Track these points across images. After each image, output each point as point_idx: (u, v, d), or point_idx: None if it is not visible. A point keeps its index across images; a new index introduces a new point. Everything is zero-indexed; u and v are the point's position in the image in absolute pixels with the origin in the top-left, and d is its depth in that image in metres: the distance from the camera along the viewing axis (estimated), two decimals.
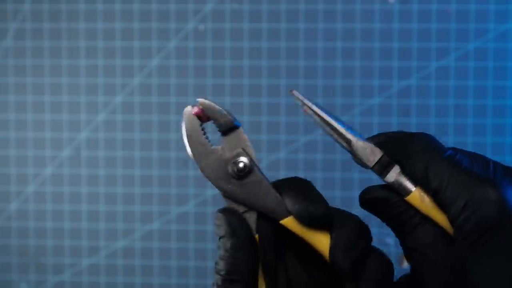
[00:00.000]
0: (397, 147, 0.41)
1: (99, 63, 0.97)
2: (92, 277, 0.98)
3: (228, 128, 0.43)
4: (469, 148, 0.90)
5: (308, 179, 0.42)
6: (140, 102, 0.97)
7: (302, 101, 0.42)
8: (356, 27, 0.94)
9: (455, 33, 0.93)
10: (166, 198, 0.97)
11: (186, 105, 0.43)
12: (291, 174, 0.42)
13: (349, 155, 0.42)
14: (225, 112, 0.43)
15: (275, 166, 0.95)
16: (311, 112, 0.42)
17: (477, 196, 0.36)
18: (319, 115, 0.41)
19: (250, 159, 0.42)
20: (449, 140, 0.93)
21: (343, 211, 0.41)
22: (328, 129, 0.41)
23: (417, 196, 0.39)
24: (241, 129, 0.43)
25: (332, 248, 0.39)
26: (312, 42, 0.94)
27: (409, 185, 0.40)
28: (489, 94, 0.93)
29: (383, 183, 0.41)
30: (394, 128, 0.94)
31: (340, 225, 0.40)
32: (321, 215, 0.39)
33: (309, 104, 0.42)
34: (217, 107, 0.42)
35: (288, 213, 0.41)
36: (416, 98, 0.94)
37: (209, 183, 0.42)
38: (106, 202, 0.98)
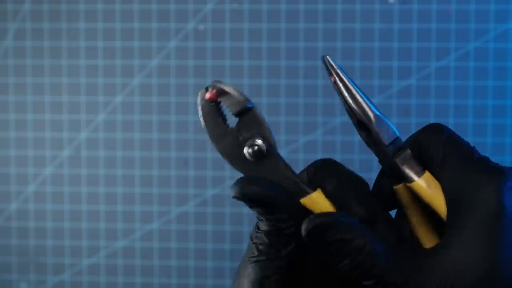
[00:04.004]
0: (414, 135, 0.41)
1: (99, 63, 0.97)
2: (92, 277, 0.98)
3: (241, 111, 0.42)
4: None
5: None
6: (140, 102, 0.97)
7: (333, 67, 0.41)
8: (356, 27, 0.94)
9: (455, 33, 0.93)
10: (166, 198, 0.97)
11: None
12: None
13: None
14: (236, 95, 0.42)
15: None
16: (337, 79, 0.40)
17: (479, 183, 0.37)
18: (345, 83, 0.41)
19: (265, 141, 0.42)
20: None
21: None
22: (349, 100, 0.40)
23: (424, 181, 0.39)
24: (255, 110, 0.42)
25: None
26: (312, 42, 0.94)
27: (418, 169, 0.40)
28: (489, 94, 0.93)
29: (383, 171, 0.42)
30: None
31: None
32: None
33: (338, 71, 0.41)
34: (228, 90, 0.42)
35: (306, 192, 0.41)
36: (416, 98, 0.94)
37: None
38: (106, 202, 0.98)
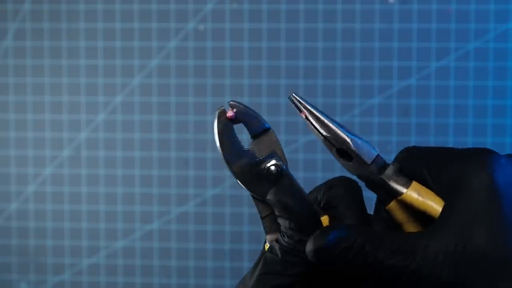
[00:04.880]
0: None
1: (99, 63, 0.97)
2: (92, 277, 0.98)
3: (261, 132, 0.43)
4: None
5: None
6: (140, 102, 0.97)
7: (301, 103, 0.42)
8: (356, 27, 0.94)
9: (455, 33, 0.93)
10: (166, 198, 0.97)
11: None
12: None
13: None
14: (256, 115, 0.43)
15: None
16: (308, 114, 0.42)
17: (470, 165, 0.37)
18: (316, 116, 0.42)
19: (282, 162, 0.42)
20: (449, 140, 0.93)
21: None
22: (323, 131, 0.42)
23: (414, 190, 0.40)
24: (271, 131, 0.43)
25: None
26: (312, 42, 0.94)
27: (405, 181, 0.41)
28: (489, 94, 0.93)
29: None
30: (394, 128, 0.94)
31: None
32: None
33: (307, 105, 0.42)
34: (249, 110, 0.42)
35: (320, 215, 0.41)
36: (416, 98, 0.94)
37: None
38: (106, 202, 0.98)
